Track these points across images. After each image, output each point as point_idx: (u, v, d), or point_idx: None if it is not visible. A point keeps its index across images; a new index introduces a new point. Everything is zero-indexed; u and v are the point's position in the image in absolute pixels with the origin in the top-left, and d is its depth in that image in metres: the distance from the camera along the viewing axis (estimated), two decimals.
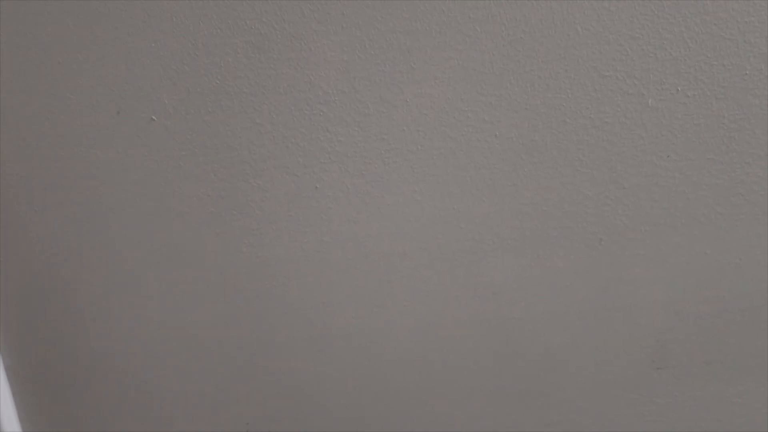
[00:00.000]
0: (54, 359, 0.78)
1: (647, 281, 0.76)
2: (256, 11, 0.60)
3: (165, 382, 0.80)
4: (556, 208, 0.71)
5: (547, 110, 0.66)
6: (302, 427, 0.84)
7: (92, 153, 0.66)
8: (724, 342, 0.81)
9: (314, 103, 0.65)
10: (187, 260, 0.72)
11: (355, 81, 0.64)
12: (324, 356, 0.79)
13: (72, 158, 0.66)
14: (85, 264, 0.72)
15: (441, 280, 0.75)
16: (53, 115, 0.64)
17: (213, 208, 0.69)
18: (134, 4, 0.59)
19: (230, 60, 0.62)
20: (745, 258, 0.75)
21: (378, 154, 0.68)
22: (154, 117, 0.65)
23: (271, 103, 0.65)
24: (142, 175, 0.67)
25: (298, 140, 0.66)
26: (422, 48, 0.63)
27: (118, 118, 0.65)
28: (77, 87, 0.63)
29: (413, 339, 0.78)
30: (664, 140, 0.68)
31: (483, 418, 0.84)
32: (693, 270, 0.76)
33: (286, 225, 0.71)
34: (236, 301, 0.75)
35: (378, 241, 0.72)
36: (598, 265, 0.75)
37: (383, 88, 0.64)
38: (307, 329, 0.77)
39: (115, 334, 0.76)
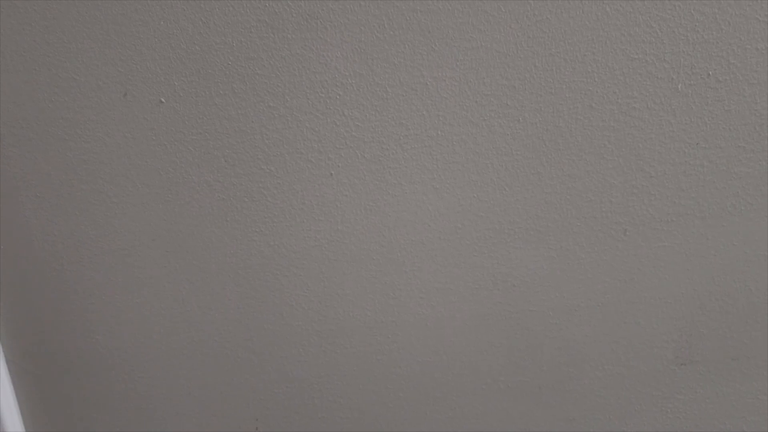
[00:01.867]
0: (58, 356, 0.75)
1: (672, 274, 0.74)
2: None
3: (172, 379, 0.77)
4: (580, 197, 0.69)
5: (572, 94, 0.64)
6: (314, 423, 0.82)
7: (98, 137, 0.63)
8: (751, 337, 0.78)
9: (330, 85, 0.62)
10: (195, 249, 0.69)
11: (373, 63, 0.61)
12: (338, 349, 0.77)
13: (77, 142, 0.64)
14: (90, 252, 0.69)
15: (459, 270, 0.72)
16: (57, 97, 0.61)
17: (223, 194, 0.67)
18: None
19: (242, 39, 0.60)
20: None
21: (396, 140, 0.65)
22: (162, 99, 0.62)
23: (284, 86, 0.62)
24: (149, 160, 0.65)
25: (313, 125, 0.64)
26: (443, 28, 0.60)
27: (125, 100, 0.62)
28: (82, 67, 0.60)
29: (430, 331, 0.76)
30: (694, 127, 0.66)
31: (501, 412, 0.82)
32: (720, 263, 0.73)
33: (299, 213, 0.68)
34: (246, 292, 0.72)
35: (394, 230, 0.70)
36: (622, 256, 0.72)
37: (402, 70, 0.62)
38: (320, 321, 0.75)
39: (121, 327, 0.74)
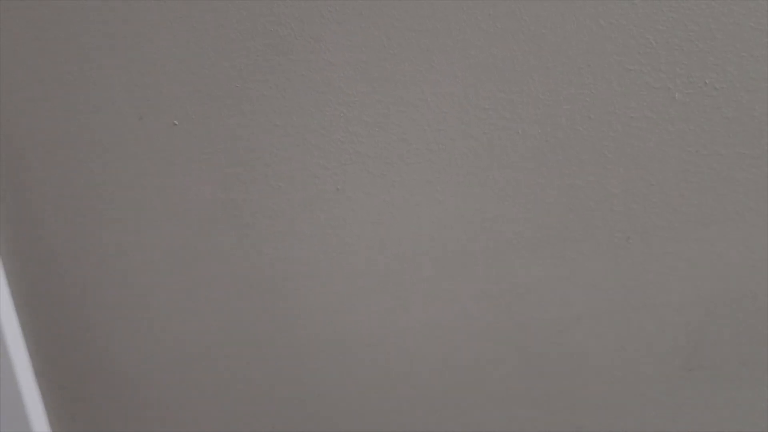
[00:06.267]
0: (82, 367, 0.78)
1: (677, 280, 0.74)
2: (275, 13, 0.60)
3: (186, 388, 0.80)
4: (581, 207, 0.70)
5: (570, 106, 0.65)
6: (326, 430, 0.83)
7: (114, 158, 0.66)
8: (759, 342, 0.78)
9: (334, 104, 0.65)
10: (208, 264, 0.72)
11: (375, 81, 0.64)
12: (346, 359, 0.78)
13: (94, 164, 0.67)
14: (107, 269, 0.72)
15: (464, 281, 0.74)
16: (75, 120, 0.65)
17: (235, 211, 0.69)
18: (154, 9, 0.60)
19: (250, 63, 0.62)
20: None
21: (399, 155, 0.67)
22: (175, 122, 0.65)
23: (291, 105, 0.65)
24: (163, 180, 0.68)
25: (319, 142, 0.66)
26: (442, 46, 0.62)
27: (140, 123, 0.65)
28: (99, 93, 0.63)
29: (437, 341, 0.78)
30: (693, 135, 0.67)
31: (509, 420, 0.83)
32: (724, 268, 0.74)
33: (308, 227, 0.70)
34: (259, 304, 0.75)
35: (400, 242, 0.71)
36: (626, 264, 0.73)
37: (403, 87, 0.64)
38: (329, 332, 0.77)
39: (139, 339, 0.76)
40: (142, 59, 0.62)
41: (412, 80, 0.64)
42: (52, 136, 0.65)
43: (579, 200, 0.70)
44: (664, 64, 0.63)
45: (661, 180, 0.69)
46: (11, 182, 0.67)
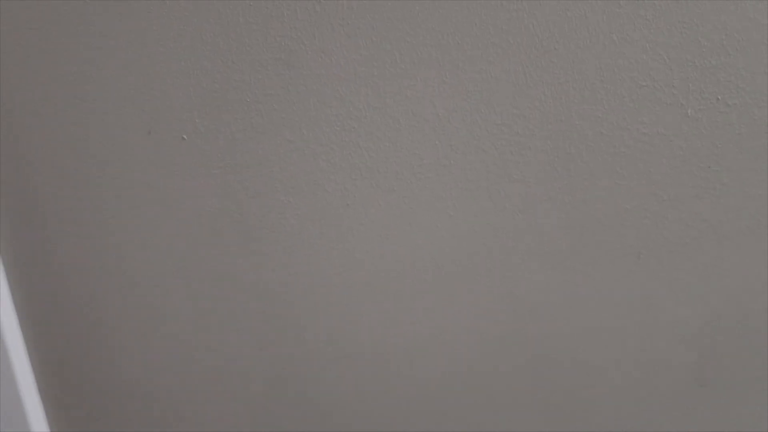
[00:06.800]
0: (86, 384, 0.78)
1: (689, 296, 0.74)
2: (285, 27, 0.60)
3: (194, 403, 0.79)
4: (593, 222, 0.70)
5: (582, 122, 0.65)
6: None
7: (124, 173, 0.66)
8: None
9: (345, 118, 0.64)
10: (219, 277, 0.72)
11: (386, 96, 0.63)
12: (353, 371, 0.78)
13: (104, 178, 0.66)
14: (116, 283, 0.72)
15: (475, 296, 0.73)
16: (85, 135, 0.64)
17: (244, 225, 0.69)
18: (165, 24, 0.59)
19: (260, 77, 0.62)
20: None
21: (410, 170, 0.67)
22: (185, 136, 0.65)
23: (301, 120, 0.64)
24: (172, 193, 0.67)
25: (329, 156, 0.66)
26: (454, 61, 0.62)
27: (149, 137, 0.65)
28: (109, 107, 0.63)
29: (447, 355, 0.77)
30: (705, 151, 0.66)
31: None
32: (736, 284, 0.73)
33: (317, 242, 0.70)
34: (267, 319, 0.74)
35: (411, 257, 0.71)
36: (638, 279, 0.73)
37: (414, 102, 0.64)
38: (339, 346, 0.76)
39: (145, 354, 0.76)
40: (151, 73, 0.62)
41: (423, 95, 0.63)
42: (63, 150, 0.65)
43: (590, 215, 0.69)
44: (676, 80, 0.63)
45: (673, 196, 0.68)
46: (23, 196, 0.66)
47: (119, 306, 0.73)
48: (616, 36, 0.61)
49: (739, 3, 0.60)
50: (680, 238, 0.71)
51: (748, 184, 0.68)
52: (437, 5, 0.59)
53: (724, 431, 0.82)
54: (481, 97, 0.64)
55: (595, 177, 0.67)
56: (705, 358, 0.77)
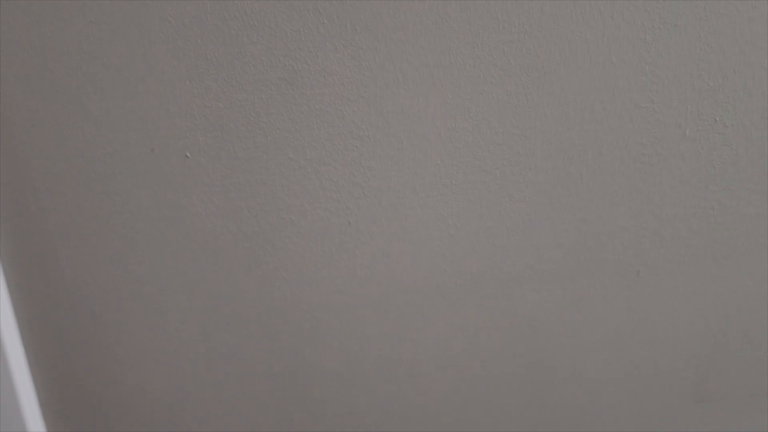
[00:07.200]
0: (89, 398, 0.78)
1: (686, 313, 0.75)
2: (288, 47, 0.60)
3: (194, 416, 0.79)
4: (592, 240, 0.70)
5: (582, 142, 0.66)
6: None
7: (127, 190, 0.66)
8: (766, 374, 0.79)
9: (347, 137, 0.65)
10: (221, 295, 0.72)
11: (389, 115, 0.64)
12: (358, 390, 0.78)
13: (107, 194, 0.66)
14: (119, 300, 0.72)
15: (476, 313, 0.74)
16: (89, 151, 0.64)
17: (247, 243, 0.69)
18: (169, 42, 0.60)
19: (263, 96, 0.63)
20: None
21: (411, 189, 0.67)
22: (188, 154, 0.65)
23: (304, 139, 0.65)
24: (176, 212, 0.67)
25: (331, 175, 0.66)
26: (455, 81, 0.62)
27: (152, 155, 0.65)
28: (112, 125, 0.63)
29: (448, 372, 0.77)
30: (703, 171, 0.67)
31: None
32: (733, 301, 0.74)
33: (320, 260, 0.70)
34: (270, 335, 0.74)
35: (412, 275, 0.71)
36: (636, 297, 0.73)
37: (416, 122, 0.64)
38: (341, 363, 0.76)
39: (149, 369, 0.76)
40: (155, 91, 0.62)
41: (425, 115, 0.64)
42: (66, 166, 0.65)
43: (590, 234, 0.70)
44: (675, 102, 0.64)
45: (671, 215, 0.69)
46: (26, 211, 0.67)
47: (121, 322, 0.73)
48: (616, 58, 0.62)
49: (736, 27, 0.61)
50: (678, 257, 0.71)
51: (745, 204, 0.69)
52: (439, 27, 0.60)
53: None
54: (482, 117, 0.64)
55: (594, 196, 0.68)
56: (702, 374, 0.78)
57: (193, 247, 0.69)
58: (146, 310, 0.72)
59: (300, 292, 0.72)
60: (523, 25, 0.60)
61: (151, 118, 0.63)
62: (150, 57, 0.60)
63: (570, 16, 0.60)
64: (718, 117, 0.65)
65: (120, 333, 0.74)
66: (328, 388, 0.78)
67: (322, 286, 0.72)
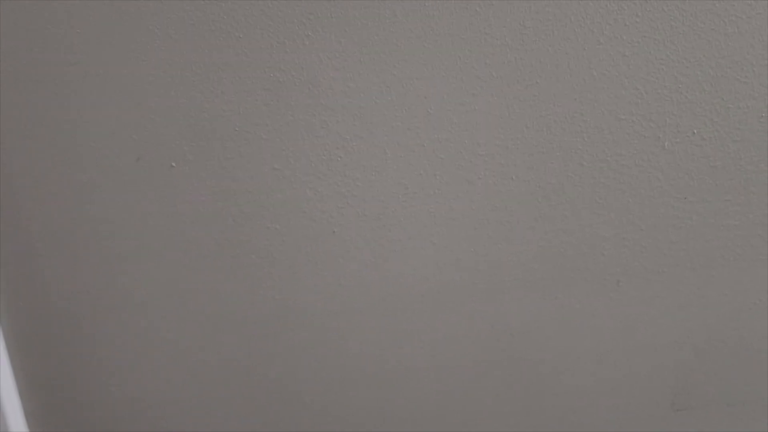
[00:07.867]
0: (75, 407, 0.78)
1: (666, 323, 0.76)
2: (273, 59, 0.61)
3: (186, 425, 0.79)
4: (573, 250, 0.71)
5: (563, 153, 0.67)
6: None
7: (112, 199, 0.66)
8: (746, 383, 0.80)
9: (332, 148, 0.65)
10: (206, 303, 0.72)
11: (373, 126, 0.65)
12: (343, 399, 0.79)
13: (93, 204, 0.67)
14: (104, 309, 0.72)
15: (459, 322, 0.74)
16: (74, 160, 0.65)
17: (232, 252, 0.69)
18: (155, 53, 0.60)
19: (248, 107, 0.63)
20: (765, 298, 0.75)
21: (395, 199, 0.68)
22: (173, 163, 0.65)
23: (288, 149, 0.65)
24: (161, 221, 0.68)
25: (316, 185, 0.67)
26: (439, 93, 0.63)
27: (137, 164, 0.65)
28: (97, 134, 0.64)
29: (432, 380, 0.78)
30: (681, 182, 0.68)
31: None
32: (712, 311, 0.75)
33: (304, 269, 0.71)
34: (255, 344, 0.75)
35: (395, 284, 0.72)
36: (616, 306, 0.74)
37: (400, 132, 0.65)
38: (326, 371, 0.77)
39: (135, 378, 0.76)
40: (141, 101, 0.62)
41: (409, 126, 0.65)
42: (51, 175, 0.65)
43: (571, 244, 0.71)
44: (654, 114, 0.65)
45: (651, 225, 0.70)
46: (10, 222, 0.67)
47: (107, 330, 0.73)
48: (596, 71, 0.63)
49: (713, 41, 0.62)
50: (657, 266, 0.72)
51: (723, 215, 0.70)
52: (422, 39, 0.61)
53: None
54: (465, 129, 0.65)
55: (575, 206, 0.69)
56: (681, 383, 0.79)
57: (178, 256, 0.69)
58: (132, 319, 0.73)
59: (284, 300, 0.72)
60: (505, 38, 0.61)
61: (137, 128, 0.64)
62: (135, 67, 0.61)
63: (551, 30, 0.61)
64: (696, 130, 0.66)
65: (105, 341, 0.74)
66: (313, 396, 0.78)
67: (307, 294, 0.72)
